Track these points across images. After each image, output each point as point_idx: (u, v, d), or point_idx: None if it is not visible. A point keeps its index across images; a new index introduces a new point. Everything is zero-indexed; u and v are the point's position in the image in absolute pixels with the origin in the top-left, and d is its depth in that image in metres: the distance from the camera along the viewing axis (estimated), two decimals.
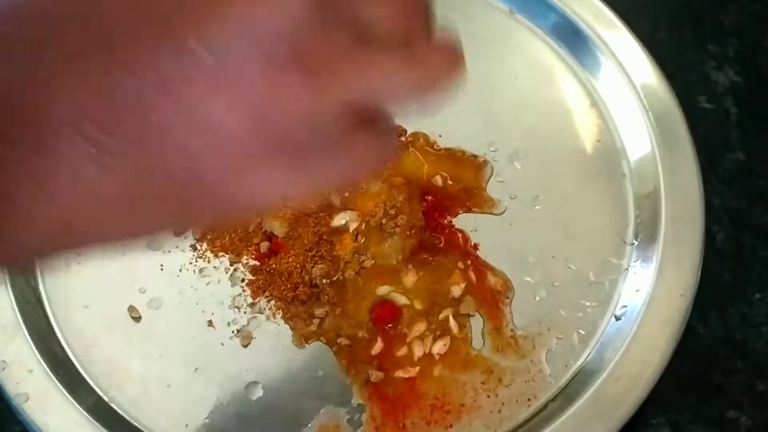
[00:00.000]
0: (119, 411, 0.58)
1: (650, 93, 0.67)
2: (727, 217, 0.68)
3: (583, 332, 0.60)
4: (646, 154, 0.66)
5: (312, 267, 0.61)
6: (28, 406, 0.56)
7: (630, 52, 0.69)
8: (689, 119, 0.67)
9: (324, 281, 0.61)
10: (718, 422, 0.62)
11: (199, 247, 0.63)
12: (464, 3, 0.74)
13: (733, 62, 0.76)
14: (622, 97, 0.68)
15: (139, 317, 0.61)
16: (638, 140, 0.67)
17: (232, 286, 0.62)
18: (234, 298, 0.62)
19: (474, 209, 0.64)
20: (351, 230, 0.62)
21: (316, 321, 0.60)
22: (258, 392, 0.58)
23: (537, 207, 0.65)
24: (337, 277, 0.61)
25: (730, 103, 0.74)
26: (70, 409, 0.56)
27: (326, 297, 0.60)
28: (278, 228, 0.62)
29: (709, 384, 0.63)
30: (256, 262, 0.63)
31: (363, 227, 0.62)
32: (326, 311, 0.60)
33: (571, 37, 0.71)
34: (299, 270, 0.61)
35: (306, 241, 0.61)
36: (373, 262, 0.61)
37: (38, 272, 0.62)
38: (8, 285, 0.60)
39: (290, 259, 0.61)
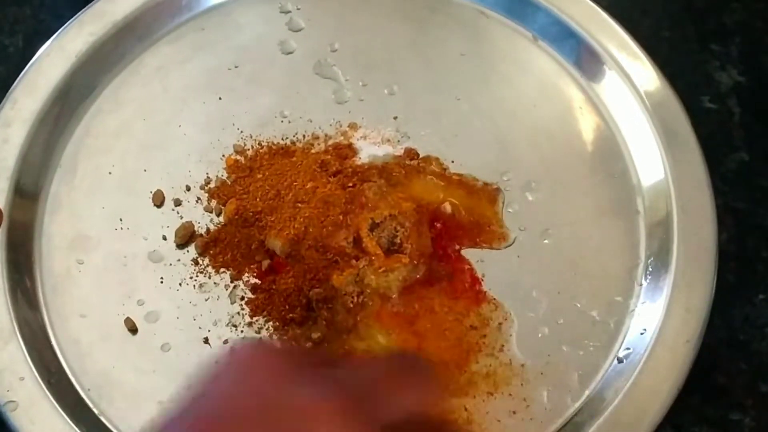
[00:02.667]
0: (108, 425, 0.57)
1: (671, 131, 0.66)
2: (731, 218, 0.68)
3: (583, 373, 0.59)
4: (662, 188, 0.65)
5: (309, 290, 0.60)
6: (16, 414, 0.56)
7: (655, 89, 0.68)
8: (692, 119, 0.66)
9: (321, 305, 0.60)
10: (722, 424, 0.61)
11: (200, 262, 0.63)
12: (488, 27, 0.73)
13: (737, 62, 0.75)
14: (642, 133, 0.67)
15: (136, 330, 0.60)
16: (655, 175, 0.65)
17: (231, 303, 0.61)
18: (232, 316, 0.61)
19: (483, 245, 0.63)
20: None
21: (310, 345, 0.59)
22: None
23: (546, 240, 0.64)
24: (334, 305, 0.60)
25: (733, 103, 0.73)
26: (59, 420, 0.56)
27: (323, 321, 0.59)
28: (280, 247, 0.61)
29: (712, 385, 0.62)
30: (257, 281, 0.62)
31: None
32: (321, 335, 0.59)
33: (594, 68, 0.70)
34: (297, 292, 0.60)
35: (306, 264, 0.60)
36: (368, 301, 0.60)
37: (37, 278, 0.62)
38: (6, 289, 0.60)
39: (289, 280, 0.60)
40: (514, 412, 0.58)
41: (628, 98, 0.68)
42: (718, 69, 0.75)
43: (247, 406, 0.39)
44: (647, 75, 0.68)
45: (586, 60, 0.71)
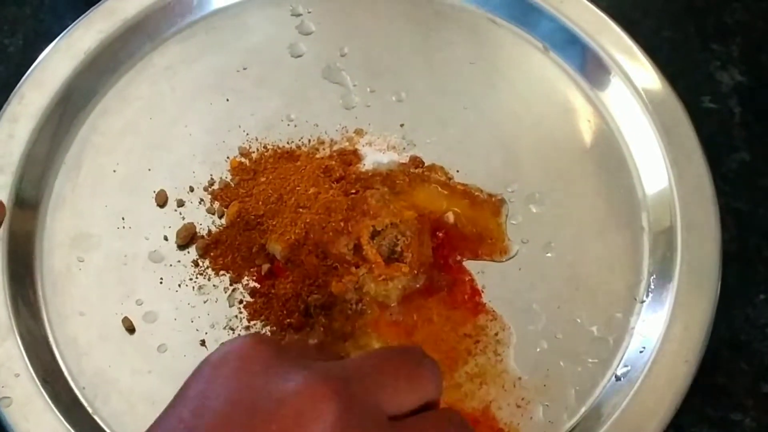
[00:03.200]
0: (102, 424, 0.57)
1: (678, 144, 0.65)
2: (732, 218, 0.67)
3: (580, 389, 0.59)
4: (666, 203, 0.64)
5: (308, 296, 0.59)
6: (10, 411, 0.56)
7: (664, 102, 0.67)
8: (693, 119, 0.66)
9: (319, 312, 0.59)
10: (722, 424, 0.61)
11: (201, 264, 0.63)
12: (499, 36, 0.73)
13: (738, 62, 0.75)
14: (651, 147, 0.66)
15: (133, 330, 0.60)
16: (660, 188, 0.65)
17: (229, 306, 0.61)
18: (230, 320, 0.61)
19: (484, 257, 0.63)
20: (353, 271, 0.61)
21: None
22: None
23: (548, 254, 0.63)
24: (332, 312, 0.60)
25: (734, 103, 0.73)
26: (53, 419, 0.56)
27: (321, 328, 0.59)
28: (280, 252, 0.61)
29: (713, 385, 0.62)
30: (256, 284, 0.62)
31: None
32: (318, 342, 0.59)
33: (603, 79, 0.70)
34: (295, 297, 0.60)
35: (306, 269, 0.60)
36: (367, 309, 0.60)
37: (37, 274, 0.62)
38: (5, 285, 0.60)
39: (288, 285, 0.60)
40: (512, 426, 0.57)
41: (637, 113, 0.68)
42: (719, 69, 0.75)
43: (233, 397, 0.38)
44: (657, 89, 0.68)
45: (594, 70, 0.70)
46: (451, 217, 0.64)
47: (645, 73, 0.68)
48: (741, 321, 0.64)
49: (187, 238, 0.63)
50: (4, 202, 0.62)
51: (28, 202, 0.64)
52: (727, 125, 0.72)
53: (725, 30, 0.76)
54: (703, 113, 0.71)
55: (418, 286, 0.61)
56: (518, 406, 0.58)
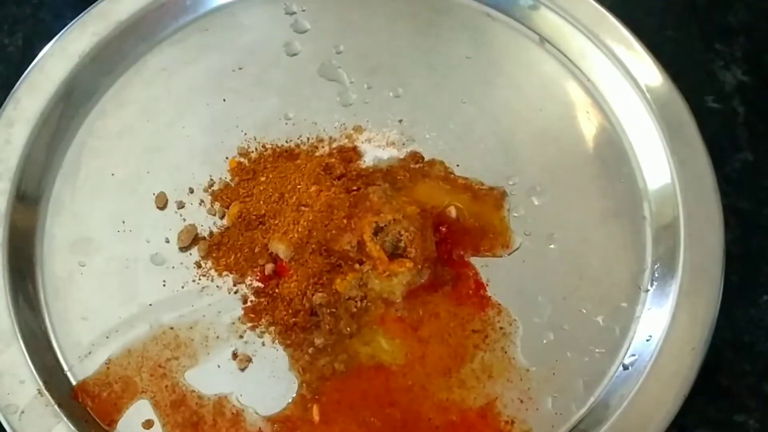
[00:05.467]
0: (107, 429, 0.57)
1: (678, 134, 0.65)
2: (735, 218, 0.67)
3: (588, 379, 0.59)
4: (668, 193, 0.64)
5: (312, 294, 0.59)
6: (16, 417, 0.55)
7: (662, 92, 0.67)
8: (696, 119, 0.66)
9: (324, 310, 0.59)
10: (726, 425, 0.61)
11: (203, 265, 0.62)
12: (494, 29, 0.73)
13: (741, 61, 0.75)
14: (649, 136, 0.66)
15: None
16: (662, 180, 0.65)
17: (233, 307, 0.61)
18: (234, 320, 0.60)
19: (485, 253, 0.63)
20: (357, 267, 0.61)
21: (312, 350, 0.58)
22: (252, 418, 0.57)
23: (552, 245, 0.63)
24: (337, 310, 0.59)
25: (737, 102, 0.73)
26: (59, 424, 0.55)
27: (327, 326, 0.59)
28: (283, 251, 0.60)
29: (716, 387, 0.62)
30: (260, 284, 0.61)
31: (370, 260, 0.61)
32: (325, 341, 0.58)
33: (600, 71, 0.70)
34: (300, 296, 0.59)
35: (310, 268, 0.60)
36: (372, 305, 0.60)
37: (39, 280, 0.62)
38: (7, 291, 0.59)
39: (292, 285, 0.60)
40: (518, 419, 0.57)
41: (634, 101, 0.68)
42: (722, 68, 0.75)
43: None
44: (654, 78, 0.68)
45: (592, 63, 0.70)
46: (453, 212, 0.64)
47: (644, 66, 0.68)
48: (744, 322, 0.64)
49: (188, 239, 0.63)
50: (4, 209, 0.62)
51: (28, 207, 0.64)
52: (730, 125, 0.72)
53: (728, 30, 0.77)
54: (706, 113, 0.71)
55: (422, 281, 0.61)
56: (522, 401, 0.58)
